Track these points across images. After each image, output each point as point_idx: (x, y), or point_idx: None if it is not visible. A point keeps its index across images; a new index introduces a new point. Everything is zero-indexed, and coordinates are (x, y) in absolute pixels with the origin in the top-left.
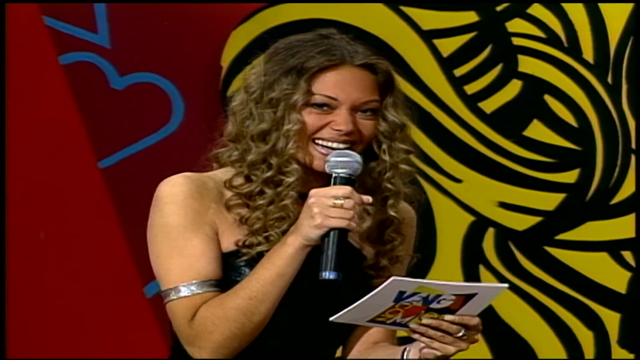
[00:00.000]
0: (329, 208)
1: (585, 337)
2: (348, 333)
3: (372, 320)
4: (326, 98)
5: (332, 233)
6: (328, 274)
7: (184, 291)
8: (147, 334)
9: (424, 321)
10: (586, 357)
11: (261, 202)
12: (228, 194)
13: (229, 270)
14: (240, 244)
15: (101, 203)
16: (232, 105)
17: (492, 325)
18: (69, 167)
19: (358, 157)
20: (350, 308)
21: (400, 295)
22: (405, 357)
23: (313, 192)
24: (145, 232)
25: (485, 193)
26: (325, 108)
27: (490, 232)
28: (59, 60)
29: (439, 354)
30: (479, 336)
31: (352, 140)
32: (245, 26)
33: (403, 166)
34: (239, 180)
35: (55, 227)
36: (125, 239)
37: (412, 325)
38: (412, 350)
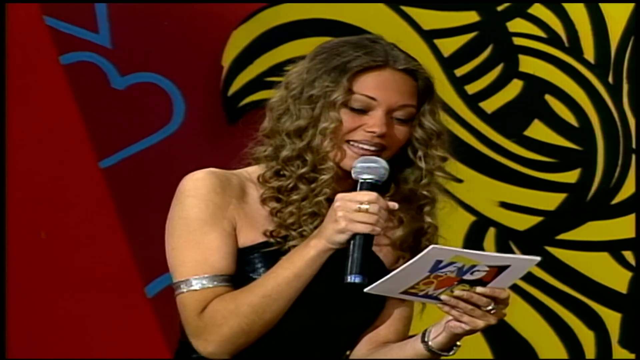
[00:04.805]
0: (353, 212)
1: (586, 337)
2: (358, 336)
3: (405, 292)
4: (365, 98)
5: (357, 237)
6: (354, 278)
7: (196, 284)
8: (148, 334)
9: (456, 292)
10: (587, 357)
11: (295, 197)
12: (252, 191)
13: (244, 265)
14: (268, 234)
15: (102, 203)
16: (271, 101)
17: (493, 325)
18: (69, 167)
19: (384, 163)
20: (386, 278)
21: (437, 265)
22: (427, 337)
23: (339, 196)
24: (146, 231)
25: (486, 193)
26: (362, 111)
27: (491, 232)
28: (59, 60)
29: (467, 328)
30: (493, 316)
31: (383, 144)
32: (246, 26)
33: (439, 173)
34: (271, 175)
35: (55, 227)
36: (126, 239)
37: (444, 297)
38: (434, 330)
